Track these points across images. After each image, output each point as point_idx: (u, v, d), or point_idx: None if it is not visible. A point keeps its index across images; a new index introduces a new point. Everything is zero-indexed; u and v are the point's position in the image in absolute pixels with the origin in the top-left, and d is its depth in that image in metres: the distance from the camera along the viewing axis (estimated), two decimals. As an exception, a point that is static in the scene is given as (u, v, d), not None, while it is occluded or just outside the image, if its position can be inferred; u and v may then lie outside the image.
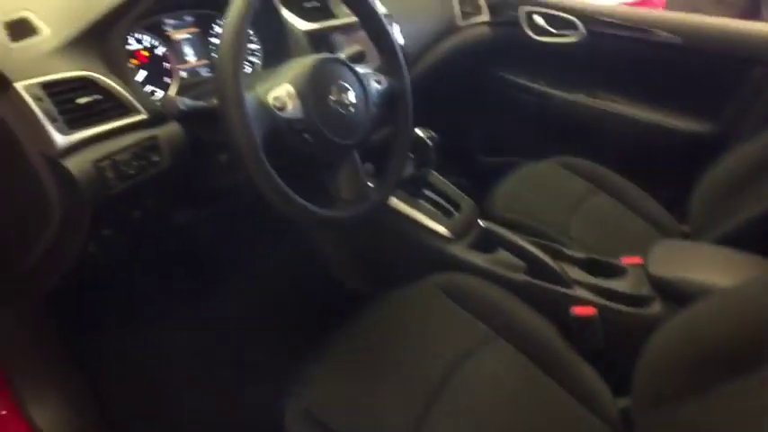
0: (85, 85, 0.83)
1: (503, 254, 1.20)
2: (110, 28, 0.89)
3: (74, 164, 0.78)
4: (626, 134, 1.74)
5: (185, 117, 0.86)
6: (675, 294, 1.07)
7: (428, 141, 1.24)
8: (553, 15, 1.82)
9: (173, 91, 1.03)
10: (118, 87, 0.86)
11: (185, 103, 0.84)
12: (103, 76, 0.85)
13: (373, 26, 1.01)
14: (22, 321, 1.05)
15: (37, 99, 0.76)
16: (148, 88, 1.00)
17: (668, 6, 2.65)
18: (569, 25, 1.79)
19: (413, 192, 1.36)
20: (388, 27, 1.01)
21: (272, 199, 0.83)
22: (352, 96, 0.93)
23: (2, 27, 0.82)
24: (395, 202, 1.31)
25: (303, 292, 1.48)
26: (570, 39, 1.79)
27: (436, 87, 1.82)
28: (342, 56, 0.99)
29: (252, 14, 0.82)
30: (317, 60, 0.91)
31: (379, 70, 1.03)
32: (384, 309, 1.07)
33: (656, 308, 1.08)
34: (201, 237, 1.34)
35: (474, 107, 2.06)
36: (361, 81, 0.96)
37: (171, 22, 1.04)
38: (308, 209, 0.86)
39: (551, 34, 1.83)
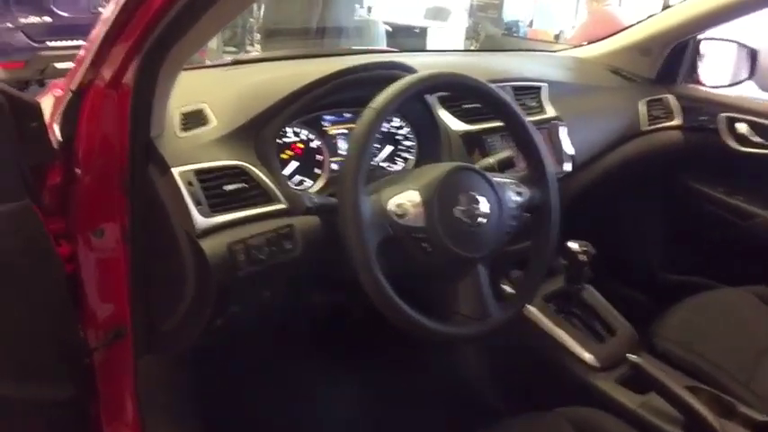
0: (235, 173, 0.90)
1: (658, 396, 1.02)
2: (266, 123, 0.97)
3: (209, 245, 0.84)
4: None
5: (312, 213, 0.88)
6: None
7: (581, 256, 1.12)
8: (759, 123, 1.59)
9: (320, 183, 1.07)
10: (264, 177, 0.92)
11: (312, 200, 0.86)
12: (253, 165, 0.92)
13: (518, 133, 0.97)
14: (163, 372, 1.13)
15: (188, 184, 0.85)
16: (298, 178, 1.05)
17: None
18: (778, 135, 1.55)
19: (563, 309, 1.23)
20: (535, 134, 0.96)
21: (382, 308, 0.80)
22: (483, 207, 0.88)
23: (179, 117, 0.94)
24: (541, 319, 1.20)
25: (433, 398, 1.39)
26: (779, 150, 1.55)
27: (615, 194, 1.68)
28: (477, 166, 0.96)
29: (381, 124, 0.83)
30: (449, 169, 0.89)
31: (524, 179, 0.97)
32: None
33: None
34: (340, 323, 1.34)
35: (658, 218, 1.85)
36: (496, 192, 0.91)
37: (329, 117, 1.09)
38: (419, 322, 0.82)
39: (756, 144, 1.60)
